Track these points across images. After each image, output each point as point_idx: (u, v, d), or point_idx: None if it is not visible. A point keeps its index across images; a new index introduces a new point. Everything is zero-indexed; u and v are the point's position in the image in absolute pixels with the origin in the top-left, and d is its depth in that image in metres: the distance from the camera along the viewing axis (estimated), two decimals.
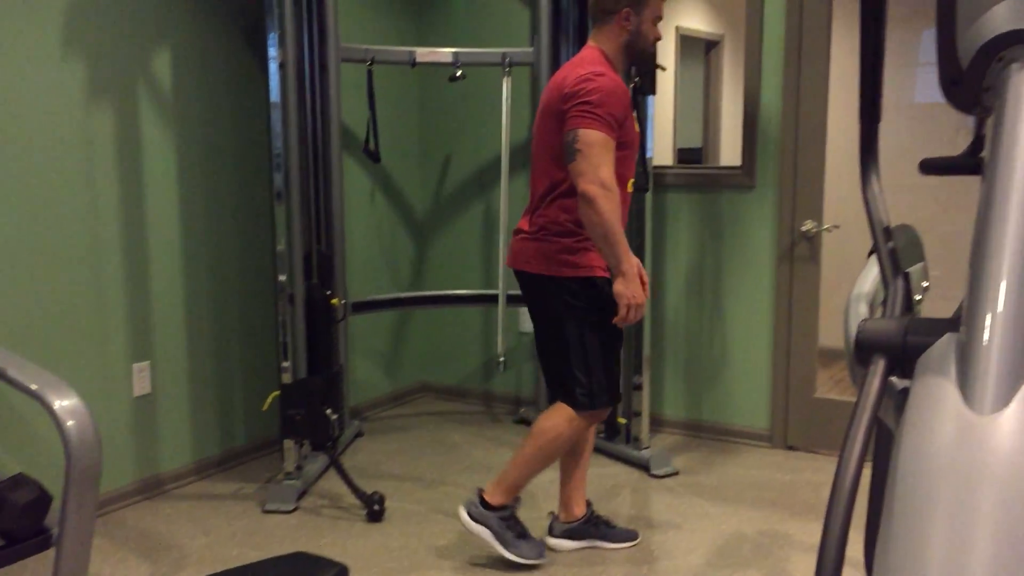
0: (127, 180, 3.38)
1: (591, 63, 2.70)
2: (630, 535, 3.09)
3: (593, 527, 3.06)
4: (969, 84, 1.25)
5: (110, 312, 3.35)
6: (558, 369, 2.85)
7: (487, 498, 2.89)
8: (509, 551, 2.88)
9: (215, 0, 3.66)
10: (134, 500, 3.47)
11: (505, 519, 2.89)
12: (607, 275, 2.76)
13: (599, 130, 2.58)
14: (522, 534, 2.93)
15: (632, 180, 2.84)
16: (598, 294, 2.76)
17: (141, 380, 3.47)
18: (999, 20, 1.20)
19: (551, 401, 2.89)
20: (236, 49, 3.77)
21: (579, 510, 3.06)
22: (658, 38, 2.85)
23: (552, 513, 3.12)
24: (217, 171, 3.72)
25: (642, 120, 3.61)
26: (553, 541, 3.05)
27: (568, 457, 3.03)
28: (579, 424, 2.83)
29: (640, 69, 3.48)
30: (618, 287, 2.65)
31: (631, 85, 3.60)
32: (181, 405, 3.65)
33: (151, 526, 3.27)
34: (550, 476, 3.69)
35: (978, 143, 1.49)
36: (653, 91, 3.57)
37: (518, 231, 2.88)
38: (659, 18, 2.82)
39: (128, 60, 3.36)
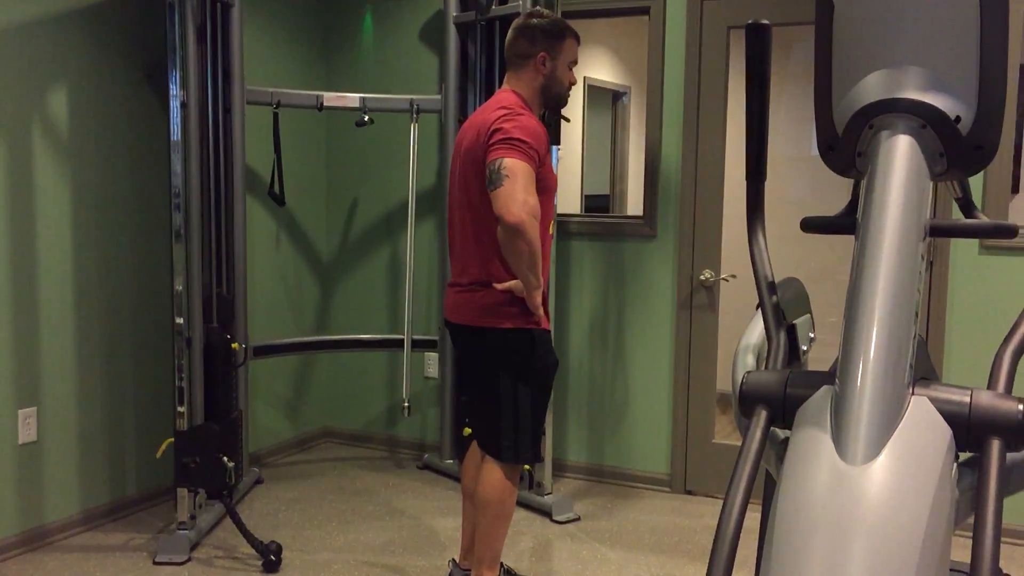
0: (16, 218, 3.27)
1: (510, 105, 2.72)
2: None
3: None
4: (844, 149, 1.33)
5: None
6: (488, 421, 2.83)
7: None
8: None
9: (116, 39, 3.60)
10: (17, 552, 3.31)
11: None
12: (546, 328, 2.79)
13: (524, 161, 2.56)
14: None
15: (552, 224, 2.84)
16: (534, 347, 2.77)
17: (27, 427, 3.33)
18: (871, 89, 1.27)
19: (458, 449, 2.86)
20: (137, 88, 3.70)
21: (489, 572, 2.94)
22: (573, 82, 2.88)
23: (452, 560, 3.08)
24: (114, 210, 3.63)
25: None
26: None
27: (469, 502, 3.01)
28: (513, 476, 2.82)
29: (552, 114, 3.54)
30: (534, 300, 2.68)
31: None
32: (69, 452, 3.51)
33: None
34: (454, 523, 3.67)
35: (854, 204, 1.57)
36: (557, 141, 3.64)
37: (453, 284, 2.86)
38: (574, 62, 2.87)
39: (21, 100, 3.27)
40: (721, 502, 1.14)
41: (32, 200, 3.32)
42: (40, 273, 3.35)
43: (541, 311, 2.74)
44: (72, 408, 3.50)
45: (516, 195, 2.50)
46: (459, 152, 2.81)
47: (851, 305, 1.18)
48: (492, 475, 2.79)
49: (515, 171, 2.53)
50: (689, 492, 4.12)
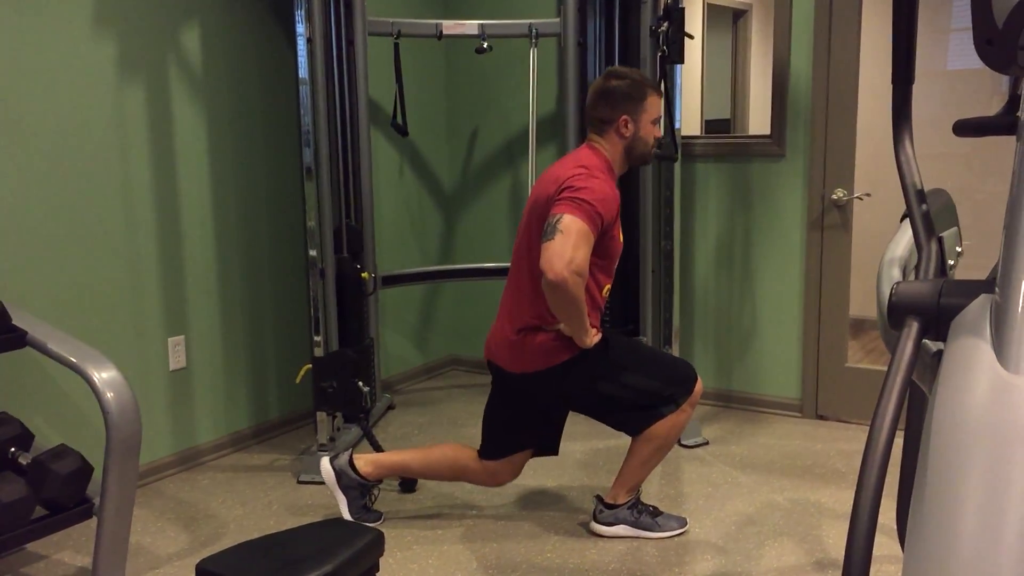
0: (159, 157, 3.41)
1: (589, 164, 2.69)
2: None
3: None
4: (1004, 43, 1.24)
5: (145, 288, 3.40)
6: (636, 413, 2.81)
7: (611, 500, 2.93)
8: (654, 533, 2.93)
9: None
10: (172, 471, 3.54)
11: (633, 507, 2.93)
12: (599, 335, 2.78)
13: (583, 221, 2.52)
14: (655, 512, 2.97)
15: (608, 286, 2.81)
16: (596, 355, 2.76)
17: (176, 354, 3.53)
18: None
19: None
20: (264, 25, 3.78)
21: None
22: (658, 137, 2.82)
23: (597, 496, 3.06)
24: (247, 147, 3.75)
25: (669, 89, 3.59)
26: (595, 527, 2.98)
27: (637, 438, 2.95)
28: (687, 409, 2.83)
29: (676, 32, 3.45)
30: (585, 344, 2.69)
31: (659, 54, 3.58)
32: (216, 378, 3.70)
33: (189, 497, 3.33)
34: (581, 447, 3.71)
35: (1014, 103, 1.47)
36: (681, 60, 3.55)
37: (499, 330, 2.83)
38: (658, 119, 2.80)
39: (157, 37, 3.38)
40: (854, 427, 1.11)
41: (171, 136, 3.45)
42: (182, 207, 3.51)
43: (595, 339, 2.73)
44: (217, 337, 3.68)
45: (565, 252, 2.47)
46: (531, 200, 2.78)
47: (1014, 208, 1.12)
48: (662, 423, 2.80)
49: (570, 228, 2.50)
50: (821, 417, 4.04)
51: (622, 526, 2.93)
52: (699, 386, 2.87)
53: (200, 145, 3.56)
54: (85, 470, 2.45)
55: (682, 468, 3.53)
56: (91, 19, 3.15)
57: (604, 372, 2.77)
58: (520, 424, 2.96)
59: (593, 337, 2.71)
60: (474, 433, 3.91)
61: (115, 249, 3.28)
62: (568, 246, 2.48)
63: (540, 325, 2.73)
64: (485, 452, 2.98)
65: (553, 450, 3.03)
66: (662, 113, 2.82)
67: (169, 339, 3.50)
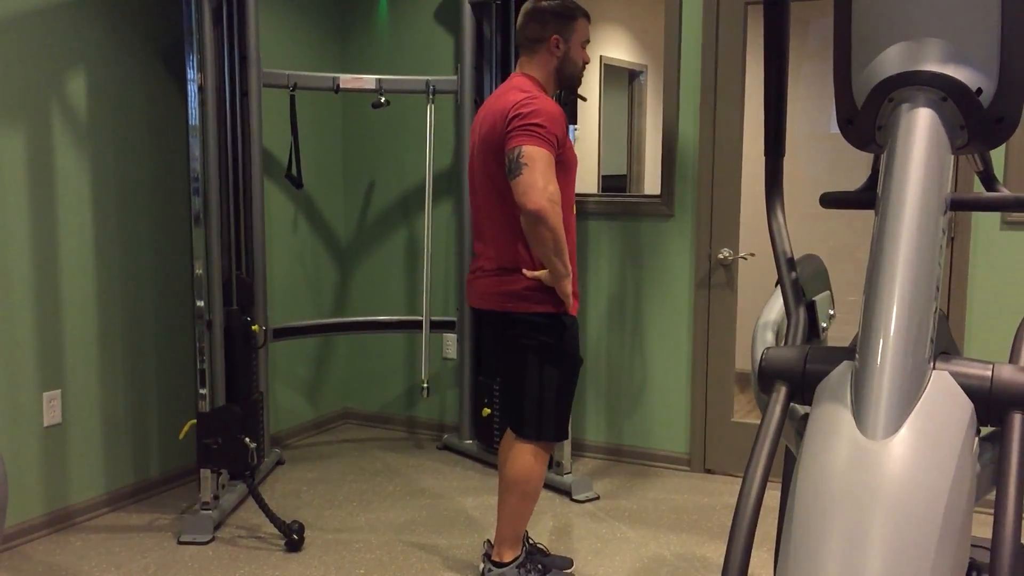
0: (37, 204, 3.29)
1: (527, 89, 2.73)
2: (565, 563, 3.07)
3: (528, 557, 2.98)
4: (863, 123, 1.31)
5: (19, 340, 3.25)
6: (513, 399, 2.85)
7: (497, 559, 2.90)
8: None
9: (132, 22, 3.61)
10: (43, 533, 3.36)
11: (521, 566, 2.91)
12: (574, 315, 2.81)
13: (543, 147, 2.58)
14: (545, 569, 2.96)
15: (573, 205, 2.86)
16: (563, 331, 2.78)
17: (51, 410, 3.37)
18: (890, 62, 1.26)
19: (477, 429, 2.88)
20: (154, 72, 3.72)
21: (509, 553, 2.92)
22: (587, 61, 2.88)
23: (488, 541, 3.06)
24: (133, 195, 3.65)
25: None
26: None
27: (501, 482, 2.99)
28: (540, 456, 2.84)
29: (568, 94, 3.53)
30: (564, 288, 2.71)
31: None
32: (93, 435, 3.55)
33: (60, 560, 3.16)
34: (474, 502, 3.69)
35: (874, 178, 1.55)
36: (574, 121, 3.63)
37: (476, 269, 2.87)
38: (587, 41, 2.86)
39: (40, 83, 3.29)
40: (741, 480, 1.14)
41: (52, 184, 3.34)
42: (61, 257, 3.38)
43: (571, 299, 2.76)
44: (95, 391, 3.54)
45: (536, 183, 2.53)
46: (477, 138, 2.82)
47: (871, 279, 1.18)
48: (520, 455, 2.82)
49: (534, 158, 2.55)
50: (708, 471, 4.12)
51: None
52: (550, 447, 2.90)
53: (82, 193, 3.45)
54: None
55: (572, 523, 3.54)
56: None
57: (542, 349, 2.77)
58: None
59: (569, 291, 2.71)
60: (366, 488, 3.85)
61: None
62: (537, 175, 2.53)
63: (517, 268, 2.73)
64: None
65: None
66: (589, 37, 2.86)
67: (44, 393, 3.35)
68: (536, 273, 2.71)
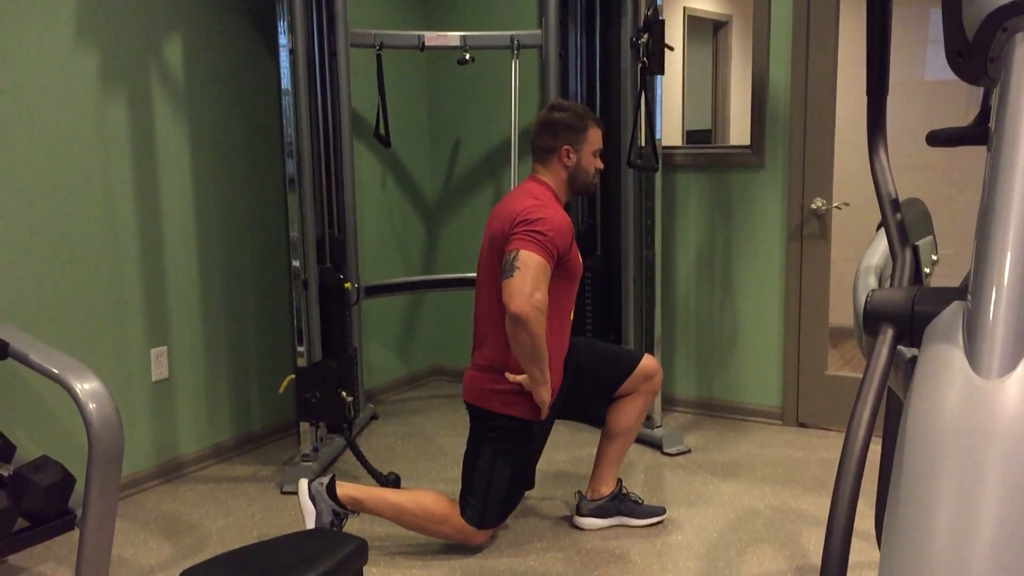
0: (141, 168, 3.41)
1: (538, 195, 2.78)
2: (656, 511, 3.12)
3: (620, 503, 3.10)
4: (974, 55, 1.27)
5: (127, 298, 3.39)
6: (466, 477, 2.92)
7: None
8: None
9: None
10: (154, 483, 3.52)
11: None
12: (543, 419, 2.85)
13: (540, 255, 2.62)
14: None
15: (571, 311, 2.92)
16: (528, 438, 2.86)
17: (159, 365, 3.52)
18: None
19: None
20: (246, 36, 3.79)
21: (606, 488, 3.09)
22: (599, 169, 2.93)
23: (579, 492, 3.14)
24: (230, 158, 3.75)
25: (650, 101, 3.62)
26: (580, 520, 3.09)
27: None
28: (473, 536, 2.90)
29: (656, 43, 3.50)
30: (540, 395, 2.75)
31: (639, 66, 3.61)
32: (198, 389, 3.69)
33: (172, 508, 3.32)
34: (564, 456, 3.73)
35: (985, 113, 1.50)
36: (661, 71, 3.58)
37: (472, 363, 2.94)
38: (598, 151, 2.90)
39: (139, 49, 3.39)
40: (834, 434, 1.13)
41: (153, 148, 3.45)
42: (163, 219, 3.50)
43: (546, 408, 2.80)
44: (199, 347, 3.68)
45: (524, 288, 2.57)
46: (487, 236, 2.86)
47: (985, 217, 1.14)
48: (459, 531, 2.89)
49: (528, 264, 2.59)
50: (802, 425, 4.07)
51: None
52: (484, 535, 2.93)
53: (182, 157, 3.56)
54: (67, 482, 2.44)
55: (664, 476, 3.54)
56: (72, 32, 3.15)
57: (501, 446, 2.84)
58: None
59: (545, 399, 2.76)
60: (457, 442, 3.91)
61: (97, 261, 3.28)
62: (527, 281, 2.58)
63: (502, 368, 2.80)
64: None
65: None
66: (601, 145, 2.91)
67: (152, 350, 3.49)
68: (518, 377, 2.77)
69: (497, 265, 2.75)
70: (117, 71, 3.30)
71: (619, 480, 3.11)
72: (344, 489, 2.87)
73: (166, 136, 3.50)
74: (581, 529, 3.08)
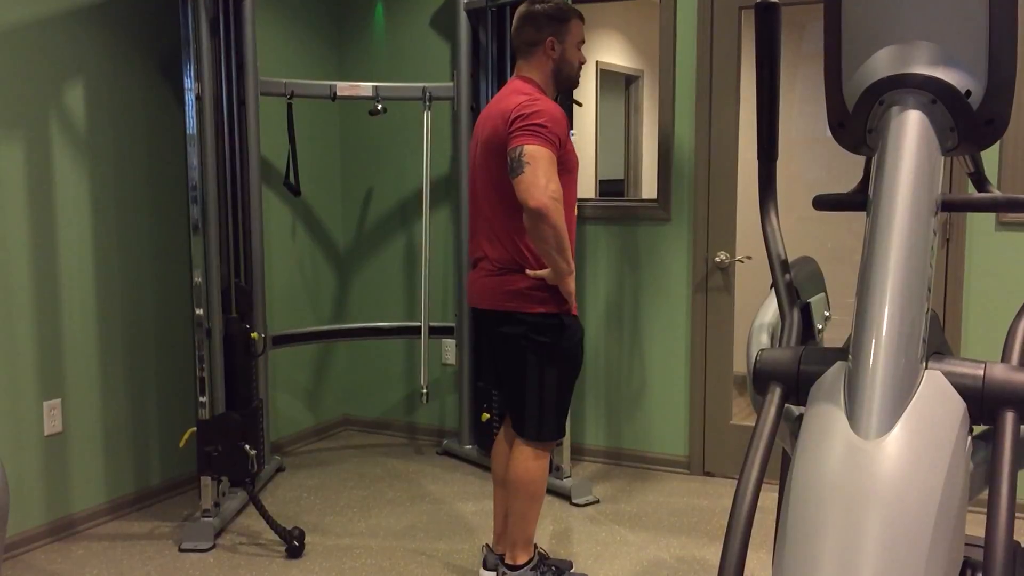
0: (37, 214, 3.31)
1: (527, 91, 2.76)
2: (565, 565, 3.05)
3: (541, 560, 2.98)
4: (854, 126, 1.33)
5: (20, 349, 3.26)
6: (513, 400, 2.87)
7: (511, 562, 2.92)
8: None
9: (130, 32, 3.63)
10: (45, 541, 3.36)
11: (535, 568, 2.93)
12: (575, 314, 2.83)
13: (545, 146, 2.61)
14: (559, 570, 2.97)
15: (575, 205, 2.89)
16: (563, 331, 2.80)
17: (52, 418, 3.38)
18: (881, 65, 1.28)
19: (477, 435, 2.88)
20: (152, 82, 3.73)
21: (522, 556, 2.94)
22: (583, 61, 2.92)
23: (486, 545, 3.08)
24: (132, 204, 3.67)
25: None
26: (486, 574, 3.02)
27: (499, 488, 3.02)
28: (542, 456, 2.86)
29: (564, 98, 3.55)
30: (568, 286, 2.74)
31: None
32: (94, 443, 3.56)
33: (62, 569, 3.17)
34: (474, 507, 3.70)
35: (866, 181, 1.57)
36: (570, 126, 3.64)
37: (479, 269, 2.87)
38: (582, 42, 2.90)
39: (39, 93, 3.30)
40: None
41: (51, 194, 3.35)
42: (61, 266, 3.40)
43: (573, 297, 2.79)
44: (96, 399, 3.55)
45: (538, 180, 2.55)
46: (478, 141, 2.84)
47: (863, 280, 1.19)
48: (522, 457, 2.83)
49: (536, 157, 2.58)
50: (708, 474, 4.13)
51: None
52: (550, 446, 2.92)
53: (81, 202, 3.47)
54: None
55: (572, 527, 3.54)
56: None
57: (542, 349, 2.79)
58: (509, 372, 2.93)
59: (572, 289, 2.74)
60: (367, 494, 3.86)
61: None
62: (540, 174, 2.55)
63: (520, 267, 2.75)
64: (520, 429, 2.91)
65: None
66: (584, 38, 2.90)
67: (44, 402, 3.36)
68: (539, 272, 2.74)
69: (496, 167, 2.71)
70: (14, 115, 3.21)
71: (536, 549, 2.98)
72: (512, 557, 2.89)
73: (65, 181, 3.40)
74: None
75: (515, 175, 2.59)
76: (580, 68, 2.92)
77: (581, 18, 2.89)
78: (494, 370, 2.97)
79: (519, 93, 2.75)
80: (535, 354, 2.79)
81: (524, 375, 2.82)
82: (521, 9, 2.87)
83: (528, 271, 2.75)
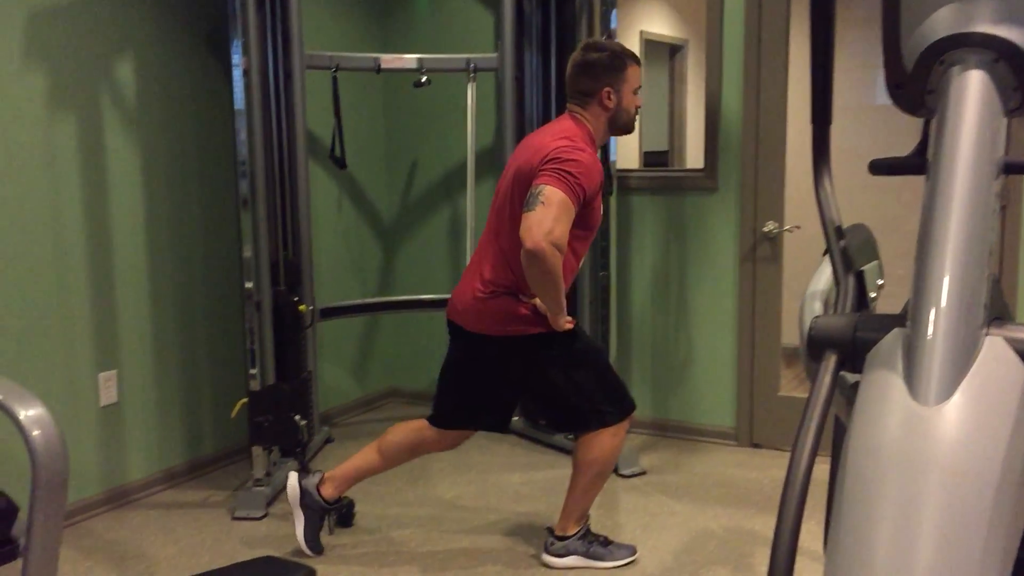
0: (90, 189, 3.36)
1: (573, 136, 2.70)
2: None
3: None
4: (913, 87, 1.30)
5: (76, 321, 3.33)
6: (562, 411, 2.87)
7: (561, 532, 2.95)
8: (606, 562, 2.94)
9: (178, 7, 3.65)
10: (102, 510, 3.45)
11: (583, 538, 2.95)
12: (572, 323, 2.80)
13: (566, 193, 2.55)
14: (605, 541, 2.99)
15: (582, 258, 2.88)
16: (567, 337, 2.79)
17: (107, 389, 3.45)
18: (941, 24, 1.24)
19: (524, 407, 2.86)
20: (200, 56, 3.76)
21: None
22: (639, 106, 2.86)
23: (548, 528, 3.06)
24: (182, 178, 3.71)
25: None
26: (545, 557, 2.99)
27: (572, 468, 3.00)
28: (620, 433, 2.86)
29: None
30: (558, 323, 2.73)
31: None
32: (148, 414, 3.63)
33: (119, 536, 3.25)
34: (520, 478, 3.72)
35: (924, 143, 1.53)
36: None
37: (467, 290, 2.82)
38: (638, 88, 2.84)
39: (90, 68, 3.35)
40: (787, 454, 1.14)
41: (104, 168, 3.41)
42: (114, 241, 3.45)
43: (568, 326, 2.76)
44: (150, 371, 3.62)
45: (543, 223, 2.50)
46: (510, 167, 2.81)
47: (923, 244, 1.17)
48: (598, 439, 2.83)
49: (552, 200, 2.53)
50: (755, 445, 4.11)
51: (573, 557, 2.96)
52: (630, 417, 2.91)
53: (133, 177, 3.52)
54: (9, 510, 2.38)
55: (619, 498, 3.55)
56: (21, 51, 3.11)
57: (560, 360, 2.79)
58: (473, 392, 2.95)
59: (566, 322, 2.73)
60: (414, 465, 3.89)
61: (44, 284, 3.22)
62: (548, 218, 2.51)
63: (515, 292, 2.75)
64: (437, 421, 2.98)
65: (502, 426, 3.08)
66: (641, 83, 2.85)
67: (100, 374, 3.43)
68: (535, 300, 2.73)
69: (519, 196, 2.67)
70: (66, 90, 3.26)
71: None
72: (562, 527, 2.95)
73: (116, 156, 3.45)
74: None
75: (526, 210, 2.56)
76: (636, 113, 2.86)
77: (638, 62, 2.83)
78: (454, 391, 2.99)
79: (564, 136, 2.69)
80: (554, 366, 2.80)
81: (556, 389, 2.82)
82: (576, 56, 2.81)
83: (522, 296, 2.74)
